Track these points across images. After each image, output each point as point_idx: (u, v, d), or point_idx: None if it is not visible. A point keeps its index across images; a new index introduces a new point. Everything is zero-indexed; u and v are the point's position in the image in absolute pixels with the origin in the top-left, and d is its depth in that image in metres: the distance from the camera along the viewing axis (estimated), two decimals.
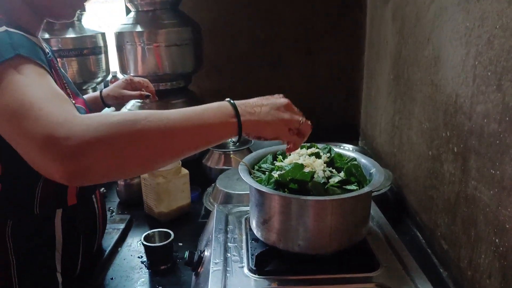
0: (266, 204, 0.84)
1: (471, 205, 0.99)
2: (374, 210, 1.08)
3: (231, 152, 1.60)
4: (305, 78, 2.05)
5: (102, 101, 1.33)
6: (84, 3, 0.94)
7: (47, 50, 1.00)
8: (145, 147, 0.67)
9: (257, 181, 0.88)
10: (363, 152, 1.83)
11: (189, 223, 1.41)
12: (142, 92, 1.33)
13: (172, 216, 1.41)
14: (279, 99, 0.83)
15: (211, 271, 0.85)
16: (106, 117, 0.65)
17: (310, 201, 0.79)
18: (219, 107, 0.76)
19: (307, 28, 1.99)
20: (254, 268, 0.85)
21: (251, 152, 1.65)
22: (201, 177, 1.63)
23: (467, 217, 1.01)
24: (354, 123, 2.11)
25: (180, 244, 1.29)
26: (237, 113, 0.75)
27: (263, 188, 0.82)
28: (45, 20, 0.96)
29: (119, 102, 1.36)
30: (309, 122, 0.84)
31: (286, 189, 0.83)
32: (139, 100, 1.72)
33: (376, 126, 1.82)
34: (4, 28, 0.76)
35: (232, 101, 0.77)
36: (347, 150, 1.03)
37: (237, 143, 0.78)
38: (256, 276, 0.83)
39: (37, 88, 0.69)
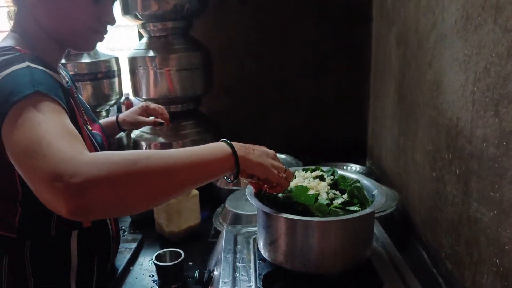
0: (272, 225, 0.88)
1: (473, 226, 1.01)
2: (379, 230, 1.10)
3: None
4: (313, 99, 2.10)
5: (118, 126, 1.39)
6: (104, 36, 1.00)
7: (66, 79, 1.05)
8: (146, 185, 0.70)
9: (263, 203, 0.91)
10: (370, 172, 1.87)
11: (199, 242, 1.45)
12: (156, 119, 1.39)
13: (182, 236, 1.45)
14: (267, 149, 0.92)
15: None
16: (109, 156, 0.69)
17: (314, 222, 0.83)
18: (216, 146, 0.82)
19: (314, 51, 2.05)
20: None
21: None
22: (211, 198, 1.67)
23: (470, 238, 1.03)
24: (362, 144, 2.15)
25: (190, 263, 1.32)
26: (233, 151, 0.81)
27: (269, 210, 0.85)
28: (66, 51, 1.02)
29: (134, 127, 1.42)
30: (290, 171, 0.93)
31: (291, 211, 0.87)
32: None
33: (383, 146, 1.85)
34: (26, 64, 0.81)
35: (228, 141, 0.83)
36: (352, 171, 1.06)
37: (234, 181, 0.84)
38: None
39: (49, 125, 0.73)
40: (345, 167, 1.92)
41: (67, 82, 1.05)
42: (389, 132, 1.73)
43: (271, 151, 0.92)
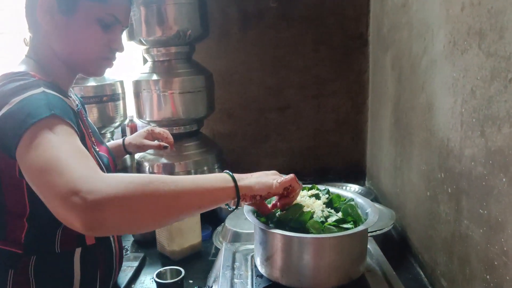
0: (268, 241, 0.91)
1: (464, 244, 1.04)
2: (374, 248, 1.13)
3: None
4: (313, 122, 2.15)
5: (124, 149, 1.44)
6: (113, 62, 1.05)
7: (76, 102, 1.11)
8: (156, 206, 0.76)
9: (260, 220, 0.95)
10: (369, 192, 1.90)
11: (200, 261, 1.47)
12: (161, 143, 1.44)
13: (183, 255, 1.48)
14: (266, 171, 0.96)
15: None
16: (125, 177, 0.75)
17: (309, 238, 0.86)
18: (220, 175, 0.88)
19: (314, 75, 2.11)
20: None
21: None
22: (212, 217, 1.70)
23: (462, 255, 1.06)
24: (360, 164, 2.18)
25: (191, 281, 1.35)
26: (234, 180, 0.87)
27: (265, 227, 0.89)
28: (77, 76, 1.08)
29: (139, 150, 1.46)
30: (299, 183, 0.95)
31: (287, 228, 0.90)
32: None
33: (380, 167, 1.89)
34: (42, 89, 0.87)
35: (230, 172, 0.89)
36: (347, 191, 1.09)
37: (236, 208, 0.90)
38: None
39: (65, 147, 0.79)
40: (344, 188, 1.96)
41: (77, 105, 1.10)
42: (387, 153, 1.77)
43: (271, 171, 0.96)
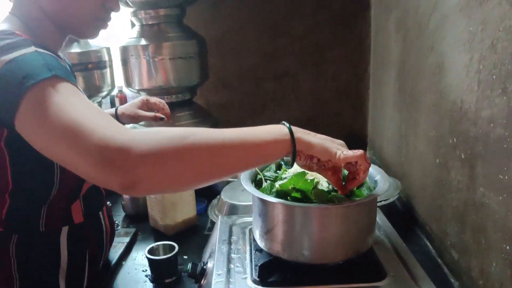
0: (268, 213, 0.83)
1: (479, 212, 0.97)
2: (381, 219, 1.06)
3: None
4: (312, 90, 2.05)
5: (116, 119, 1.33)
6: (108, 23, 0.95)
7: (67, 66, 1.01)
8: (194, 163, 0.68)
9: (259, 190, 0.86)
10: (371, 162, 1.82)
11: (195, 236, 1.40)
12: (157, 114, 1.33)
13: (178, 229, 1.40)
14: (334, 139, 0.83)
15: (213, 283, 0.84)
16: (156, 132, 0.66)
17: (314, 208, 0.78)
18: (274, 127, 0.77)
19: (313, 41, 2.00)
20: (257, 279, 0.83)
21: None
22: (207, 190, 1.61)
23: (476, 225, 0.98)
24: (362, 134, 2.10)
25: (185, 257, 1.28)
26: (291, 132, 0.76)
27: (265, 197, 0.81)
28: (67, 38, 0.97)
29: (133, 121, 1.36)
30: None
31: (289, 198, 0.82)
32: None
33: (383, 136, 1.81)
34: (33, 48, 0.75)
35: (287, 124, 0.78)
36: None
37: (291, 166, 0.77)
38: (260, 287, 0.82)
39: (81, 107, 0.69)
40: None
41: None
42: (390, 121, 1.68)
43: (338, 140, 0.83)
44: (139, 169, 0.63)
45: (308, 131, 0.80)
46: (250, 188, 0.85)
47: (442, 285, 1.01)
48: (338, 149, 0.79)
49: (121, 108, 1.34)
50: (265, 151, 0.74)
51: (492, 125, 0.89)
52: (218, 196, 1.41)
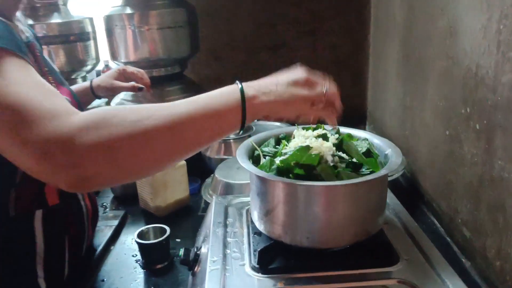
0: (268, 192, 0.74)
1: (497, 188, 0.88)
2: (390, 197, 0.98)
3: (232, 140, 1.50)
4: (309, 62, 1.90)
5: (92, 92, 1.23)
6: None
7: (27, 34, 0.90)
8: (151, 148, 0.61)
9: (258, 167, 0.77)
10: None
11: (188, 217, 1.32)
12: (135, 84, 1.24)
13: (169, 211, 1.32)
14: (296, 73, 0.75)
15: (208, 270, 0.75)
16: (107, 118, 0.58)
17: (319, 187, 0.69)
18: (226, 93, 0.69)
19: (310, 10, 1.88)
20: (256, 266, 0.75)
21: None
22: (201, 168, 1.53)
23: (494, 202, 0.90)
24: (361, 107, 2.00)
25: (178, 240, 1.20)
26: (242, 97, 0.67)
27: (264, 174, 0.72)
28: (21, 4, 0.86)
29: (110, 93, 1.26)
30: (333, 88, 0.77)
31: (291, 175, 0.73)
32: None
33: (385, 109, 1.71)
34: None
35: (240, 84, 0.70)
36: (356, 130, 0.92)
37: (240, 132, 0.68)
38: (259, 275, 0.73)
39: (26, 87, 0.61)
40: None
41: (27, 37, 0.89)
42: (393, 93, 1.59)
43: (301, 76, 0.75)
44: (86, 163, 0.55)
45: (268, 83, 0.73)
46: (247, 165, 0.76)
47: (452, 265, 0.94)
48: (307, 101, 0.73)
49: (97, 80, 1.24)
50: (223, 124, 0.67)
51: None
52: (212, 175, 1.32)
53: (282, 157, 0.76)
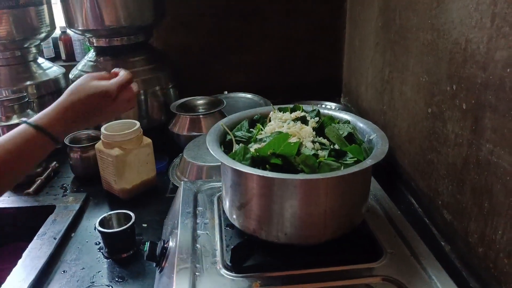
0: (242, 184, 0.67)
1: (484, 172, 0.83)
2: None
3: (201, 116, 1.41)
4: (282, 30, 1.84)
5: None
6: None
7: None
8: None
9: (230, 155, 0.69)
10: (346, 110, 1.67)
11: (155, 199, 1.24)
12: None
13: (135, 192, 1.23)
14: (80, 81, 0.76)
15: (176, 270, 0.68)
16: None
17: (299, 181, 0.62)
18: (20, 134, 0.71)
19: None
20: (229, 265, 0.68)
21: (223, 115, 1.46)
22: (169, 145, 1.44)
23: (479, 186, 0.86)
24: (337, 78, 1.92)
25: (145, 225, 1.12)
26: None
27: (238, 166, 0.64)
28: None
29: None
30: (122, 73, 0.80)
31: (267, 165, 0.65)
32: (91, 59, 1.50)
33: (362, 81, 1.64)
34: None
35: (29, 122, 0.73)
36: (333, 110, 0.85)
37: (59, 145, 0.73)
38: (233, 274, 0.67)
39: None
40: (319, 106, 1.72)
41: None
42: (371, 64, 1.51)
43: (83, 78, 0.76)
44: None
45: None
46: (218, 153, 0.68)
47: (431, 248, 0.90)
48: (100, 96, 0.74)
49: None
50: (32, 156, 0.72)
51: (509, 70, 0.74)
52: (181, 155, 1.23)
53: (257, 145, 0.68)
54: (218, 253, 0.71)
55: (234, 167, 0.63)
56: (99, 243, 1.05)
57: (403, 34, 1.20)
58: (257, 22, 1.81)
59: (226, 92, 1.82)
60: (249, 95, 1.78)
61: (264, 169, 0.65)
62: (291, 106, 0.83)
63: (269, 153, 0.65)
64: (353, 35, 1.75)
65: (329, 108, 1.69)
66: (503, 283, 0.79)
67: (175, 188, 1.19)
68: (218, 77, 1.85)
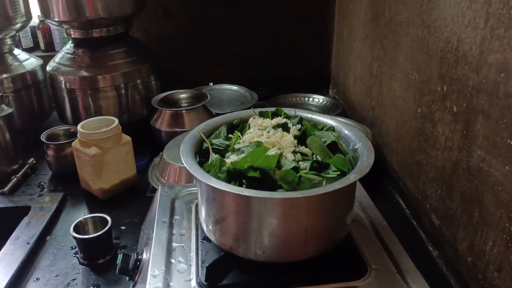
0: (217, 200, 0.62)
1: (475, 180, 0.80)
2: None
3: (184, 111, 1.35)
4: (269, 19, 1.77)
5: None
6: None
7: None
8: None
9: (205, 166, 0.65)
10: (335, 104, 1.63)
11: (135, 199, 1.19)
12: None
13: (114, 192, 1.18)
14: None
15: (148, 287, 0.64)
16: None
17: (277, 199, 0.57)
18: None
19: None
20: (205, 283, 0.64)
21: (207, 109, 1.41)
22: (150, 141, 1.39)
23: (469, 193, 0.82)
24: (325, 70, 1.87)
25: (123, 227, 1.08)
26: None
27: (213, 182, 0.59)
28: None
29: None
30: None
31: (244, 180, 0.61)
32: (69, 52, 1.43)
33: (350, 73, 1.60)
34: None
35: None
36: (317, 105, 0.80)
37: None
38: None
39: None
40: (307, 99, 1.67)
41: None
42: (359, 57, 1.46)
43: None
44: None
45: None
46: (191, 166, 0.63)
47: (417, 252, 0.86)
48: None
49: None
50: None
51: (503, 75, 0.69)
52: (160, 154, 1.18)
53: (235, 156, 0.63)
54: (193, 269, 0.67)
55: (209, 183, 0.59)
56: (75, 247, 1.01)
57: (393, 28, 1.15)
58: (244, 11, 1.75)
59: (211, 84, 1.77)
60: (235, 87, 1.73)
61: (241, 183, 0.61)
62: (273, 109, 0.78)
63: (246, 167, 0.60)
64: (341, 25, 1.70)
65: (317, 102, 1.65)
66: None
67: (155, 188, 1.15)
68: (203, 68, 1.79)
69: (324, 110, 1.59)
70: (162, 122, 1.36)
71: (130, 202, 1.17)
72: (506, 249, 0.71)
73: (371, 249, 0.71)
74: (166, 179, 1.11)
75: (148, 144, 1.37)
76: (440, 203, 0.94)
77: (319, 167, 0.63)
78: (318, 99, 1.66)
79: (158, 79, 1.51)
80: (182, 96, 1.47)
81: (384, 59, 1.23)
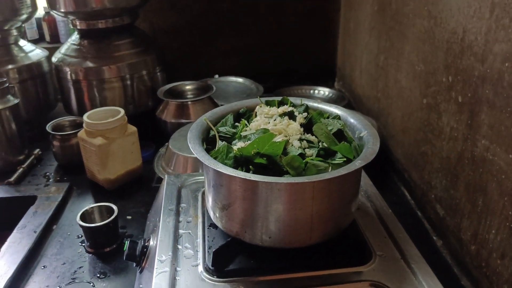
0: (224, 186, 0.63)
1: (479, 169, 0.80)
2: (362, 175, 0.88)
3: (189, 102, 1.36)
4: (274, 11, 1.78)
5: None
6: None
7: None
8: None
9: (212, 153, 0.65)
10: (341, 96, 1.63)
11: (140, 189, 1.20)
12: None
13: (120, 182, 1.19)
14: None
15: (155, 273, 0.65)
16: None
17: (283, 184, 0.58)
18: None
19: None
20: (211, 268, 0.65)
21: (212, 101, 1.42)
22: (155, 133, 1.40)
23: (473, 182, 0.83)
24: (330, 62, 1.87)
25: (129, 217, 1.08)
26: None
27: (219, 166, 0.60)
28: None
29: None
30: None
31: (250, 166, 0.62)
32: (75, 42, 1.44)
33: (356, 65, 1.60)
34: None
35: None
36: (322, 97, 0.81)
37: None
38: (215, 278, 0.64)
39: None
40: (312, 91, 1.68)
41: None
42: (365, 49, 1.47)
43: None
44: None
45: None
46: (199, 152, 0.64)
47: (422, 242, 0.87)
48: None
49: None
50: None
51: (507, 64, 0.70)
52: (166, 144, 1.19)
53: (241, 143, 0.64)
54: (200, 255, 0.68)
55: (216, 169, 0.59)
56: (81, 236, 1.02)
57: (399, 19, 1.15)
58: (249, 4, 1.75)
59: (217, 76, 1.77)
60: (240, 79, 1.73)
61: (248, 169, 0.61)
62: (279, 98, 0.78)
63: (253, 153, 0.61)
64: (348, 18, 1.70)
65: (322, 94, 1.65)
66: (495, 283, 0.77)
67: (161, 178, 1.15)
68: (208, 61, 1.80)
69: (330, 102, 1.57)
70: (167, 114, 1.37)
71: (135, 192, 1.18)
72: (509, 236, 0.72)
73: (376, 236, 0.71)
74: (172, 169, 1.12)
75: (153, 135, 1.38)
76: (444, 193, 0.95)
77: (325, 154, 0.64)
78: (323, 91, 1.67)
79: (164, 71, 1.52)
80: (187, 87, 1.48)
81: (390, 51, 1.24)
